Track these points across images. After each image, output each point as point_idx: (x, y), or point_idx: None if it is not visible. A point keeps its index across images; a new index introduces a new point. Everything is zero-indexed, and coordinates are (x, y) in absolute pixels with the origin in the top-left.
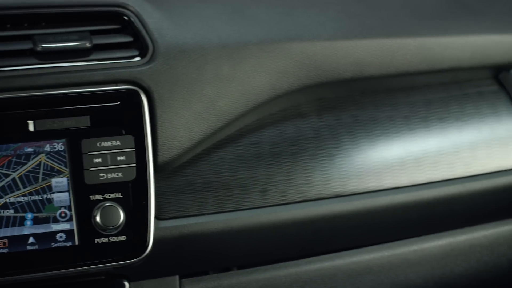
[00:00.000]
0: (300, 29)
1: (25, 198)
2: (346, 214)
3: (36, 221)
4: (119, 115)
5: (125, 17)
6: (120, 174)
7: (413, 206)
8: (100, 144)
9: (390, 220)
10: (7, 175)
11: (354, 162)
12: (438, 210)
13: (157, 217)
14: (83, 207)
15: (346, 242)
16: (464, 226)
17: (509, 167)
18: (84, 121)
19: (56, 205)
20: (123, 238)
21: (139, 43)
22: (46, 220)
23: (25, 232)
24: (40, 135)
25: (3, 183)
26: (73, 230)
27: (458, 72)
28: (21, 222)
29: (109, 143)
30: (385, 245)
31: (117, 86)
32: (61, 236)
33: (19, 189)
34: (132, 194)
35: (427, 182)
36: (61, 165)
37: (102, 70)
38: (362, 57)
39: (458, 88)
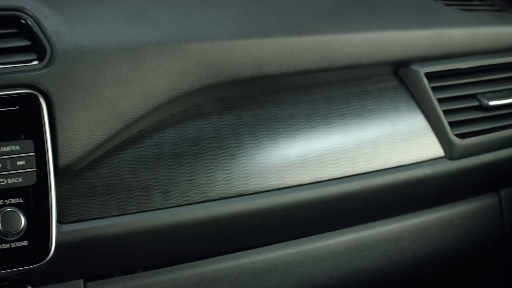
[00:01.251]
0: (199, 29)
1: None
2: (249, 213)
3: None
4: (18, 119)
5: (22, 21)
6: (20, 179)
7: (316, 203)
8: None
9: (294, 217)
10: None
11: (256, 161)
12: (341, 206)
13: (59, 221)
14: None
15: (250, 240)
16: (368, 222)
17: (410, 162)
18: None
19: None
20: (24, 243)
21: (37, 47)
22: None
23: None
24: None
25: None
26: None
27: (358, 68)
28: None
29: (8, 148)
30: (290, 242)
31: (15, 90)
32: None
33: None
34: (33, 198)
35: (329, 178)
36: None
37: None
38: (262, 56)
39: (359, 85)
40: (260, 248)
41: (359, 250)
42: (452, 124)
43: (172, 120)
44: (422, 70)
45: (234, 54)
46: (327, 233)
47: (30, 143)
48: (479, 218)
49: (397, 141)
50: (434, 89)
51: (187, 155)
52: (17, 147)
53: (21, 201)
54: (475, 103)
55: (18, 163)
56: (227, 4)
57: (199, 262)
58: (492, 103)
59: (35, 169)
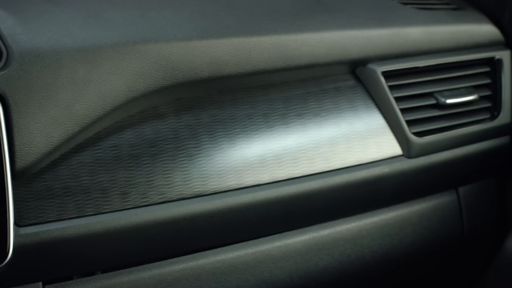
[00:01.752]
0: (155, 30)
1: None
2: (208, 214)
3: None
4: None
5: None
6: None
7: (275, 202)
8: None
9: (253, 217)
10: None
11: (214, 162)
12: (300, 206)
13: (16, 224)
14: None
15: (209, 241)
16: (327, 221)
17: (368, 161)
18: None
19: None
20: None
21: None
22: None
23: None
24: None
25: None
26: None
27: (316, 68)
28: None
29: None
30: (249, 242)
31: None
32: None
33: None
34: None
35: (288, 178)
36: None
37: None
38: (219, 56)
39: (316, 84)
40: (219, 249)
41: (318, 249)
42: (410, 123)
43: (130, 121)
44: (379, 69)
45: (191, 55)
46: (286, 233)
47: None
48: (437, 216)
49: (355, 140)
50: (391, 87)
51: (144, 157)
52: None
53: None
54: (432, 102)
55: None
56: (184, 5)
57: (158, 263)
58: (449, 101)
59: None
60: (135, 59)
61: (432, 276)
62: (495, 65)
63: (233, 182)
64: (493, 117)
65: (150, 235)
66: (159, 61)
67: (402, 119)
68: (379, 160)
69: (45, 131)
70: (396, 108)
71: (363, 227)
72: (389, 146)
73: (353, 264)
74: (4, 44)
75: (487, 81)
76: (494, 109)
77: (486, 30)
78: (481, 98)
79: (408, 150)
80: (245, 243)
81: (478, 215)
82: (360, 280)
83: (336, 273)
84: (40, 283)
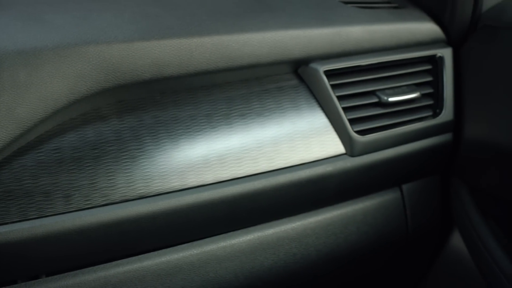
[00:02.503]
0: (96, 32)
1: None
2: (152, 215)
3: None
4: None
5: None
6: None
7: (219, 203)
8: None
9: (197, 218)
10: None
11: (158, 163)
12: (244, 206)
13: None
14: None
15: (154, 242)
16: (272, 220)
17: (311, 160)
18: None
19: None
20: None
21: None
22: None
23: None
24: None
25: None
26: None
27: (258, 68)
28: None
29: None
30: (194, 243)
31: None
32: None
33: None
34: None
35: (232, 178)
36: None
37: None
38: (160, 57)
39: (259, 84)
40: (164, 250)
41: (263, 249)
42: (352, 121)
43: (72, 124)
44: (321, 68)
45: (132, 56)
46: (231, 233)
47: None
48: (382, 214)
49: (298, 139)
50: (333, 86)
51: (87, 159)
52: None
53: None
54: (375, 100)
55: None
56: (124, 7)
57: (102, 265)
58: (391, 99)
59: None
60: (76, 61)
61: (378, 273)
62: (437, 63)
63: (176, 183)
64: (435, 115)
65: (94, 238)
66: (100, 63)
67: (344, 117)
68: (322, 159)
69: None
70: (339, 107)
71: (308, 226)
72: (332, 145)
73: (299, 263)
74: None
75: (429, 79)
76: (437, 107)
77: (427, 28)
78: (424, 96)
79: (351, 149)
80: (190, 243)
81: (422, 212)
82: (306, 279)
83: (281, 272)
84: None
